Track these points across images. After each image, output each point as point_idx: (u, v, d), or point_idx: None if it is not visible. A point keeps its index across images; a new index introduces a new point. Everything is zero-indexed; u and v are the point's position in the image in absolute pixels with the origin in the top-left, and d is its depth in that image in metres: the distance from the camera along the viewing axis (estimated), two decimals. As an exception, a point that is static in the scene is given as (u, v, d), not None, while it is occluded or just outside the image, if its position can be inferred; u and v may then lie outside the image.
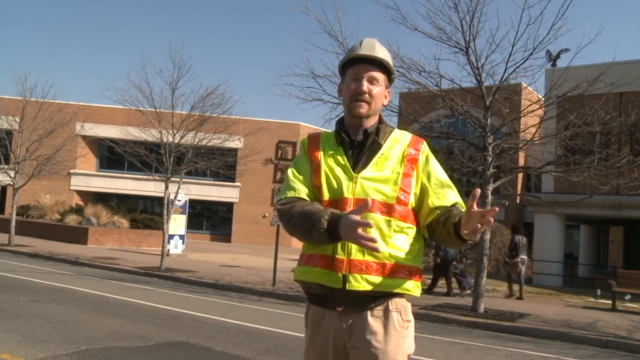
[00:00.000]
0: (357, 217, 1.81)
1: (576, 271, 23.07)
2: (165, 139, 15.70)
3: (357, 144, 2.13)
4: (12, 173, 20.17)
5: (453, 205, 2.09)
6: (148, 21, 77.49)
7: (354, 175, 2.06)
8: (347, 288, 1.97)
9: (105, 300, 9.76)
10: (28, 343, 5.99)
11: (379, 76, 2.14)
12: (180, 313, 8.83)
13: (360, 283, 1.97)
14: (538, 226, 21.27)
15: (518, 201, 26.31)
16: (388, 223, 2.02)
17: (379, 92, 2.14)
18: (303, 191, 2.11)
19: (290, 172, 2.19)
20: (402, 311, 2.06)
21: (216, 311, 9.40)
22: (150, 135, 16.20)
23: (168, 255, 16.99)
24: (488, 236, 11.30)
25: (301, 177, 2.14)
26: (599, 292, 15.45)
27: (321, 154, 2.15)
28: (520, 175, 25.18)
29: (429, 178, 2.12)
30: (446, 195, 2.11)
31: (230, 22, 78.99)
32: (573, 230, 27.03)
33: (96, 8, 76.21)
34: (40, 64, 77.97)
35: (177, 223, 20.79)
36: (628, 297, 13.96)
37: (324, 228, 1.88)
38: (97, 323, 7.45)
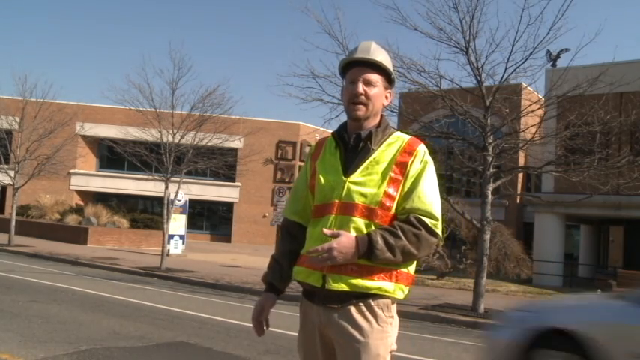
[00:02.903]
0: (256, 311, 2.29)
1: (576, 271, 23.06)
2: (165, 139, 15.70)
3: (352, 148, 2.18)
4: (12, 173, 20.16)
5: (408, 215, 2.07)
6: (148, 21, 77.52)
7: (344, 179, 2.11)
8: (326, 287, 2.04)
9: (105, 300, 9.76)
10: (28, 343, 5.99)
11: (375, 77, 2.17)
12: (180, 313, 8.83)
13: (338, 283, 2.03)
14: (538, 226, 21.27)
15: (518, 201, 26.31)
16: (369, 226, 2.05)
17: (376, 93, 2.17)
18: (292, 212, 2.32)
19: (293, 188, 2.40)
20: (384, 308, 2.09)
21: (216, 311, 9.40)
22: (150, 135, 16.20)
23: (168, 255, 16.98)
24: (488, 236, 11.30)
25: (297, 194, 2.33)
26: (599, 292, 15.45)
27: (319, 159, 2.24)
28: (520, 175, 25.18)
29: (410, 185, 2.10)
30: (410, 201, 2.09)
31: (230, 22, 79.03)
32: (573, 230, 27.02)
33: (96, 8, 76.25)
34: (40, 64, 78.01)
35: (177, 223, 20.79)
36: (628, 297, 13.95)
37: (262, 280, 2.36)
38: (97, 323, 7.45)
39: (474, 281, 11.13)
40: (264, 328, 2.29)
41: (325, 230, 2.02)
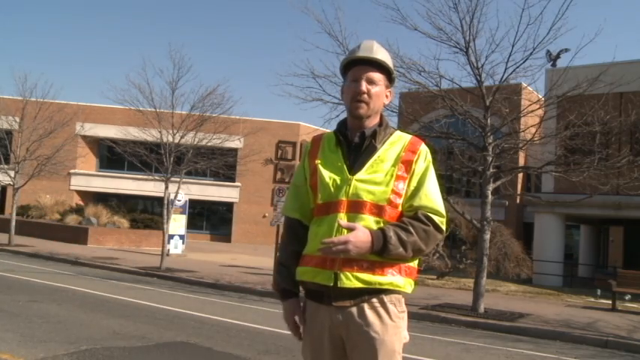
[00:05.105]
0: (291, 319, 2.20)
1: (576, 271, 23.05)
2: (165, 139, 15.69)
3: (355, 146, 2.19)
4: (12, 173, 20.16)
5: (416, 212, 2.11)
6: (148, 21, 77.52)
7: (350, 177, 2.12)
8: (338, 286, 2.04)
9: (105, 300, 9.76)
10: (28, 343, 5.99)
11: (378, 76, 2.19)
12: (180, 313, 8.83)
13: (351, 281, 2.03)
14: (538, 226, 21.25)
15: (518, 201, 26.30)
16: (378, 223, 2.07)
17: (378, 92, 2.19)
18: (293, 209, 2.28)
19: (291, 186, 2.36)
20: (396, 303, 2.11)
21: (216, 311, 9.40)
22: (150, 135, 16.20)
23: (168, 255, 16.98)
24: (488, 236, 11.30)
25: (298, 191, 2.29)
26: (599, 292, 15.44)
27: (320, 157, 2.22)
28: (520, 175, 25.17)
29: (416, 183, 2.14)
30: (417, 198, 2.13)
31: (230, 22, 79.04)
32: (573, 230, 27.03)
33: (95, 8, 76.25)
34: (39, 63, 78.02)
35: (177, 223, 20.78)
36: (628, 297, 13.95)
37: (274, 289, 2.33)
38: (97, 323, 7.45)
39: (474, 281, 11.13)
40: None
41: (341, 222, 2.02)
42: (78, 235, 22.92)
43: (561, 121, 12.03)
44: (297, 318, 2.20)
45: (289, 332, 2.26)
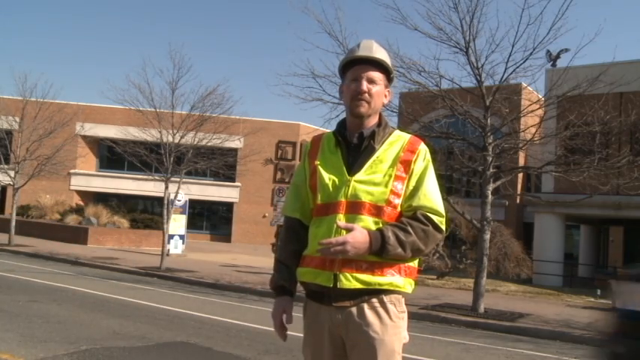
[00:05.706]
0: (279, 316, 2.21)
1: (576, 271, 23.05)
2: (165, 139, 15.70)
3: (354, 147, 2.19)
4: (12, 173, 20.16)
5: (415, 211, 2.11)
6: (148, 21, 77.50)
7: (349, 178, 2.12)
8: (338, 287, 2.04)
9: (105, 300, 9.76)
10: (28, 343, 5.99)
11: (378, 75, 2.19)
12: (180, 313, 8.83)
13: (350, 282, 2.04)
14: (538, 226, 21.26)
15: (518, 201, 26.29)
16: (376, 224, 2.07)
17: (378, 91, 2.19)
18: (294, 209, 2.28)
19: (291, 186, 2.36)
20: (396, 303, 2.11)
21: (216, 311, 9.40)
22: (150, 135, 16.20)
23: (168, 255, 16.98)
24: (488, 236, 11.29)
25: (298, 192, 2.29)
26: (599, 292, 15.44)
27: (319, 158, 2.23)
28: (520, 175, 25.16)
29: (415, 183, 2.14)
30: (416, 198, 2.13)
31: (230, 22, 79.03)
32: (573, 230, 27.03)
33: (96, 8, 76.23)
34: (39, 63, 78.01)
35: (177, 223, 20.78)
36: (628, 297, 13.92)
37: (270, 286, 2.30)
38: (97, 323, 7.45)
39: (474, 281, 11.12)
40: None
41: (339, 223, 2.03)
42: (78, 235, 22.92)
43: (561, 121, 12.03)
44: (284, 316, 2.20)
45: (289, 332, 2.26)
